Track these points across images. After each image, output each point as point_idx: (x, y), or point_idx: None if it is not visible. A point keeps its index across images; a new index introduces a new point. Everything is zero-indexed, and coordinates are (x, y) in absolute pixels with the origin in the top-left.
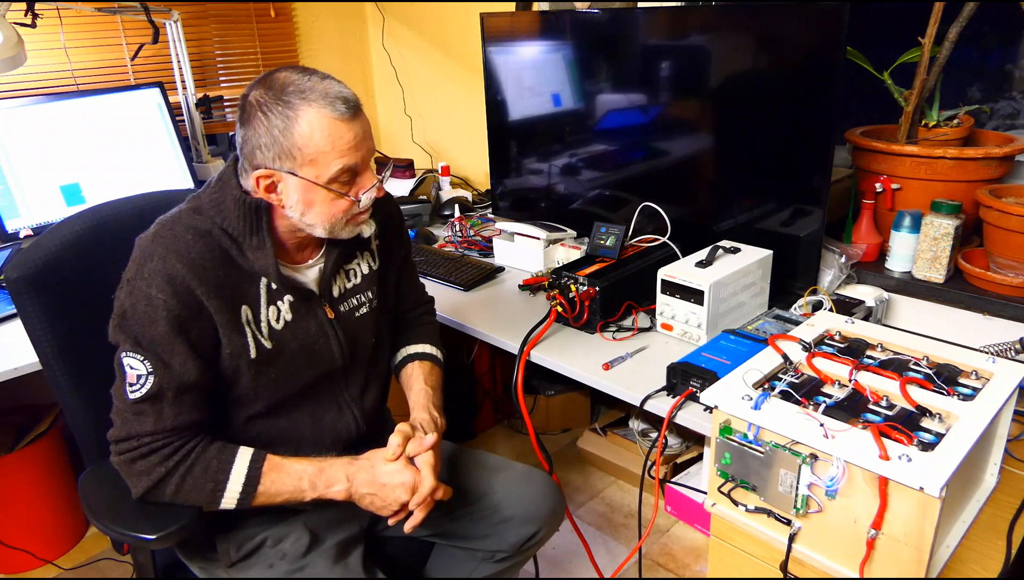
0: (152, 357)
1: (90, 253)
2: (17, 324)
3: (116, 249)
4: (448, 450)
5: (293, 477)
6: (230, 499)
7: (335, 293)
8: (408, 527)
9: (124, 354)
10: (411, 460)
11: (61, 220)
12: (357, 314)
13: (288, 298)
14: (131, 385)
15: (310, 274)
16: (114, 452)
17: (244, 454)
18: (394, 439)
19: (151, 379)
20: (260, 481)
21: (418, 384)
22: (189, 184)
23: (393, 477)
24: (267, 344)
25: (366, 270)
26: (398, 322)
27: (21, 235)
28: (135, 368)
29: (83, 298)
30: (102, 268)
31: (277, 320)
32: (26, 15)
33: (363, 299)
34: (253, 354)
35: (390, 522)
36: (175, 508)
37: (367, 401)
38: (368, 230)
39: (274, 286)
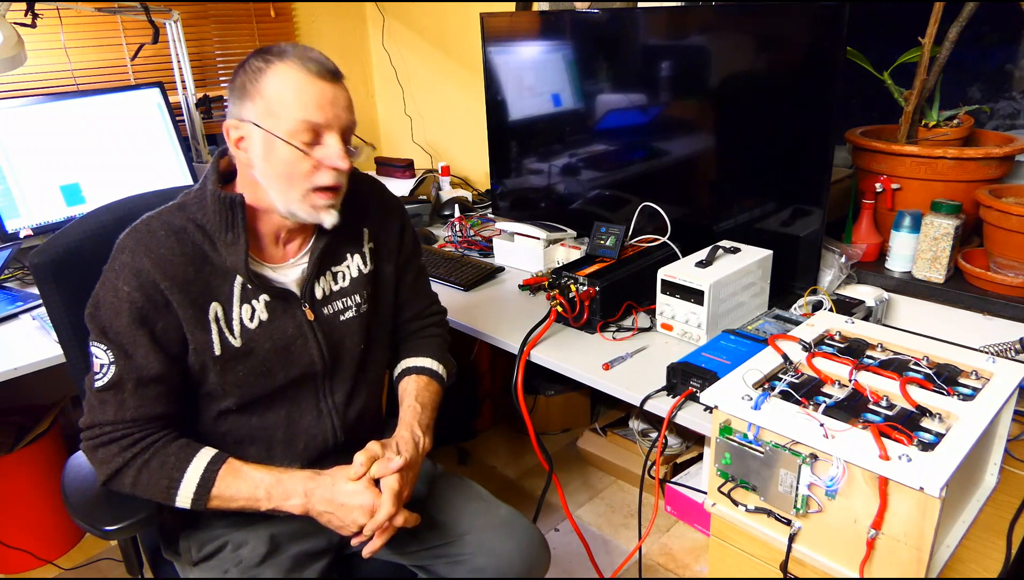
0: (115, 348)
1: (111, 243)
2: (17, 324)
3: None
4: (434, 473)
5: (249, 484)
6: (184, 498)
7: (318, 294)
8: (366, 552)
9: (91, 343)
10: (377, 482)
11: (89, 212)
12: (342, 318)
13: (264, 297)
14: (96, 374)
15: (292, 274)
16: (82, 438)
17: (204, 455)
18: (358, 458)
19: (112, 369)
20: (215, 484)
21: (408, 400)
22: (188, 184)
23: (352, 498)
24: (235, 342)
25: (356, 273)
26: (400, 331)
27: (21, 235)
28: (99, 357)
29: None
30: None
31: (251, 319)
32: (26, 15)
33: (350, 303)
34: (217, 351)
35: (352, 543)
36: (136, 501)
37: (352, 410)
38: (331, 219)
39: (249, 285)
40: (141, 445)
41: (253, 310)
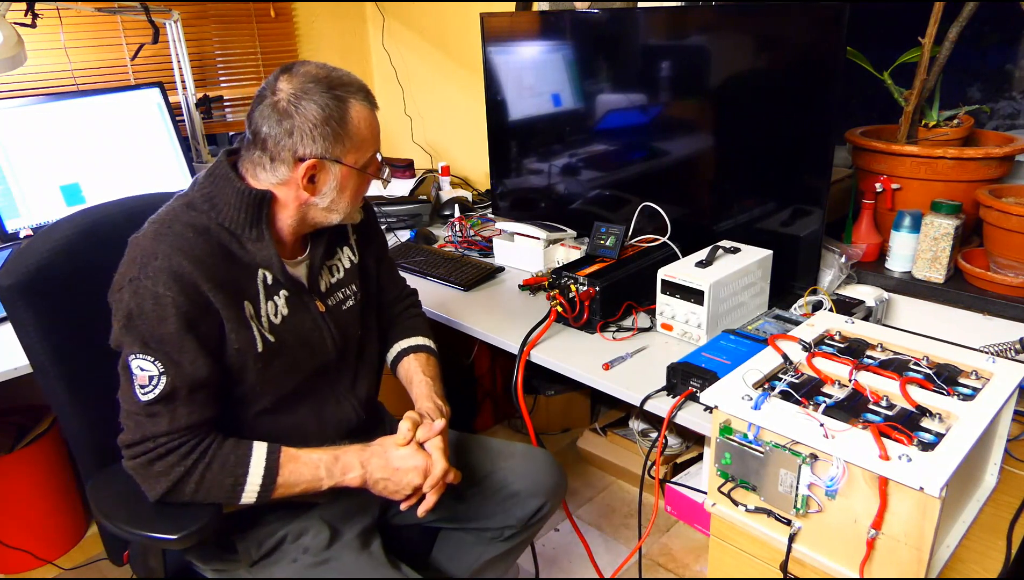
0: (163, 357)
1: (82, 258)
2: None
3: (108, 253)
4: (451, 437)
5: (310, 466)
6: (250, 493)
7: (322, 287)
8: (422, 511)
9: (133, 356)
10: (421, 445)
11: (49, 225)
12: (344, 307)
13: (284, 293)
14: (142, 387)
15: (300, 269)
16: (128, 456)
17: (260, 447)
18: (403, 425)
19: (163, 379)
20: (279, 472)
21: (417, 376)
22: (188, 184)
23: (406, 461)
24: (271, 338)
25: (347, 264)
26: (384, 316)
27: (21, 235)
28: (146, 369)
29: (76, 304)
30: (95, 273)
31: (275, 314)
32: (26, 15)
33: (348, 292)
34: (260, 348)
35: (402, 507)
36: (192, 509)
37: (360, 391)
38: (360, 215)
39: (270, 281)
40: (199, 450)
41: (276, 306)
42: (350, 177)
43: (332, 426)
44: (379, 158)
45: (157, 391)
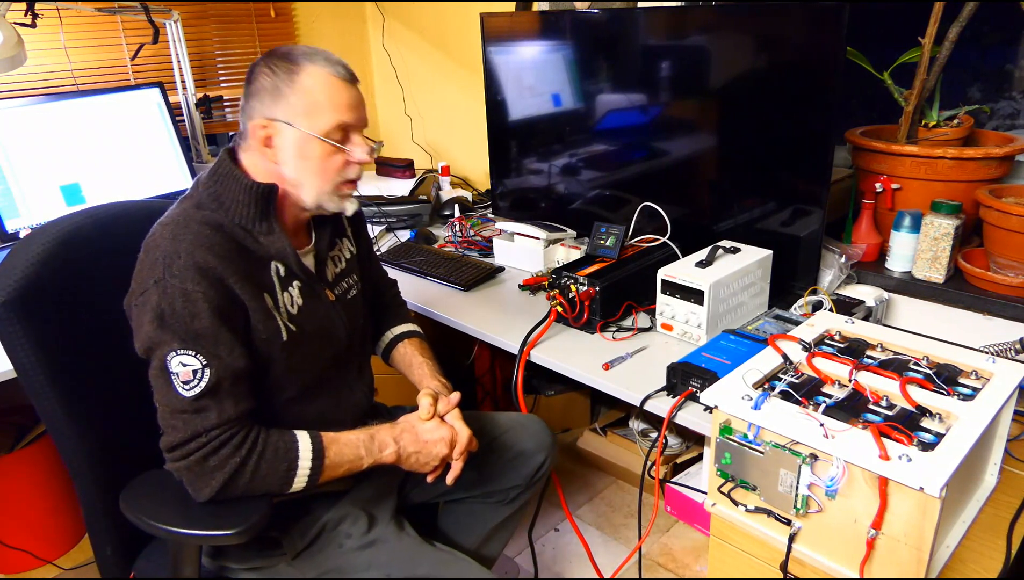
0: (204, 350)
1: (63, 270)
2: None
3: (89, 264)
4: None
5: (351, 446)
6: (302, 478)
7: (329, 277)
8: (450, 478)
9: (173, 354)
10: (442, 419)
11: (25, 237)
12: (349, 296)
13: (297, 283)
14: (187, 383)
15: (307, 260)
16: (176, 458)
17: (302, 433)
18: (424, 401)
19: (207, 372)
20: (325, 454)
21: (416, 359)
22: (189, 184)
23: (433, 433)
24: (292, 328)
25: (348, 255)
26: (373, 305)
27: (21, 235)
28: (188, 365)
29: (65, 318)
30: (76, 285)
31: (292, 305)
32: (26, 15)
33: (351, 282)
34: (285, 337)
35: (429, 479)
36: (236, 506)
37: (366, 378)
38: (352, 207)
39: (283, 272)
40: (251, 439)
41: (291, 296)
42: (309, 143)
43: (349, 413)
44: (351, 132)
45: (203, 384)
